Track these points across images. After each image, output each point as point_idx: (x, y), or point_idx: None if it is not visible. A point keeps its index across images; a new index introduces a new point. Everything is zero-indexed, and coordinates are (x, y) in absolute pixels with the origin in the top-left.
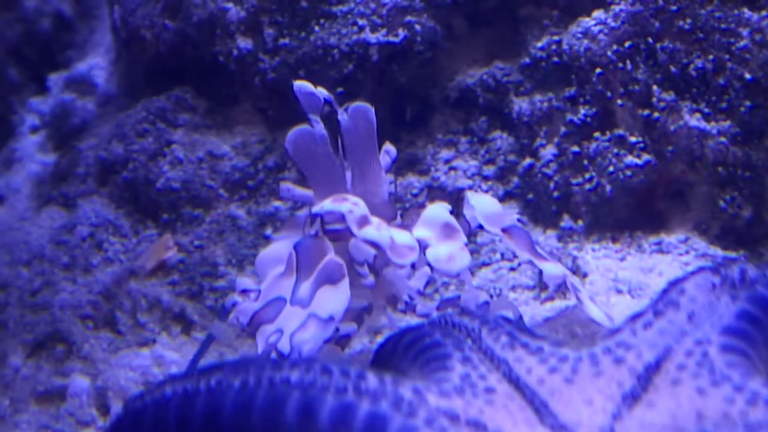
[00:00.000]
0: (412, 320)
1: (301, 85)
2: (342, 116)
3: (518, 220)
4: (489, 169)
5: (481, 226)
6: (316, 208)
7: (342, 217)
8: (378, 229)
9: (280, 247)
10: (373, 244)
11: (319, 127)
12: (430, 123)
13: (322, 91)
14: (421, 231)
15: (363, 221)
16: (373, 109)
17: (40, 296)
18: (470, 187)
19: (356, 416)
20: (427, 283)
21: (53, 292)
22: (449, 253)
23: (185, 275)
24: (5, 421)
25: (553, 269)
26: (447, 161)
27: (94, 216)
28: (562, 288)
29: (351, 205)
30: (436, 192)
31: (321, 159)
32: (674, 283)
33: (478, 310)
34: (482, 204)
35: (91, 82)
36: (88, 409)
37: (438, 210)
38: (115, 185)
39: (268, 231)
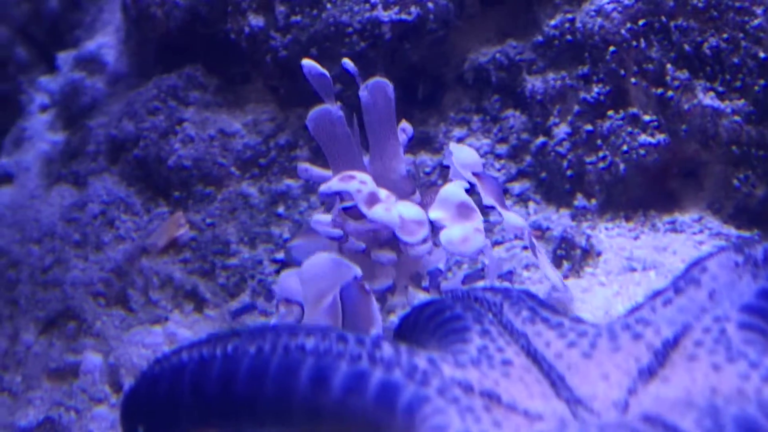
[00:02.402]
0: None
1: (310, 66)
2: (362, 92)
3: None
4: (502, 148)
5: (470, 185)
6: (323, 188)
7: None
8: (387, 209)
9: (325, 263)
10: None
11: (336, 108)
12: (443, 101)
13: (347, 62)
14: (436, 212)
15: (372, 199)
16: (391, 85)
17: (51, 273)
18: (483, 165)
19: (369, 384)
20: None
21: (65, 269)
22: (463, 234)
23: (197, 253)
24: (18, 398)
25: (515, 220)
26: (460, 140)
27: (105, 194)
28: (529, 245)
29: (358, 183)
30: (448, 170)
31: (340, 138)
32: (697, 262)
33: (502, 280)
34: (461, 152)
35: (100, 61)
36: (101, 385)
37: (454, 189)
38: (126, 163)
39: (280, 209)
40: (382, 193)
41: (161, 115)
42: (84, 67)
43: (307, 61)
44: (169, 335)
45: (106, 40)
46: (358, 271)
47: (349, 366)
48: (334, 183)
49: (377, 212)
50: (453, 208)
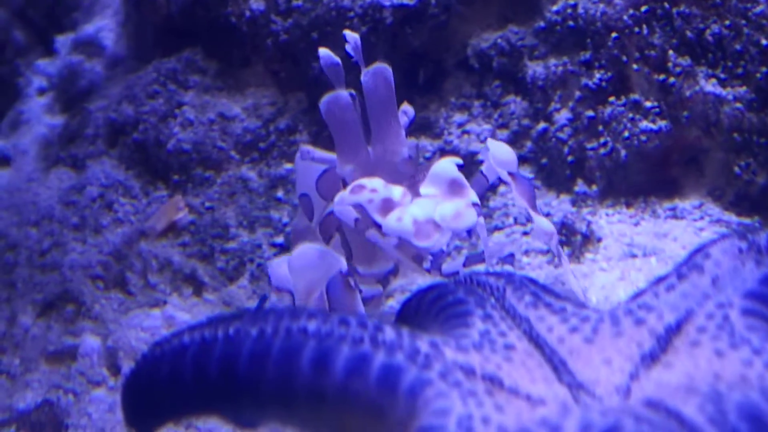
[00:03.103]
0: (437, 280)
1: (325, 56)
2: (364, 78)
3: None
4: (502, 133)
5: (499, 180)
6: (337, 205)
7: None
8: (399, 218)
9: (312, 255)
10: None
11: (346, 94)
12: (444, 87)
13: (354, 39)
14: (427, 188)
15: (385, 206)
16: (390, 69)
17: (49, 256)
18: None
19: (371, 367)
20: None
21: (63, 252)
22: (455, 210)
23: (196, 237)
24: (16, 381)
25: (546, 225)
26: (460, 125)
27: (104, 177)
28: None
29: (369, 193)
30: (449, 155)
31: (348, 123)
32: (700, 248)
33: (502, 263)
34: (498, 149)
35: (99, 44)
36: (99, 368)
37: (445, 165)
38: (125, 146)
39: (280, 193)
40: (396, 193)
41: (160, 98)
42: (82, 50)
43: (323, 50)
44: (167, 318)
45: (104, 23)
46: (343, 264)
47: (351, 349)
48: (347, 196)
49: (390, 225)
50: (445, 184)
